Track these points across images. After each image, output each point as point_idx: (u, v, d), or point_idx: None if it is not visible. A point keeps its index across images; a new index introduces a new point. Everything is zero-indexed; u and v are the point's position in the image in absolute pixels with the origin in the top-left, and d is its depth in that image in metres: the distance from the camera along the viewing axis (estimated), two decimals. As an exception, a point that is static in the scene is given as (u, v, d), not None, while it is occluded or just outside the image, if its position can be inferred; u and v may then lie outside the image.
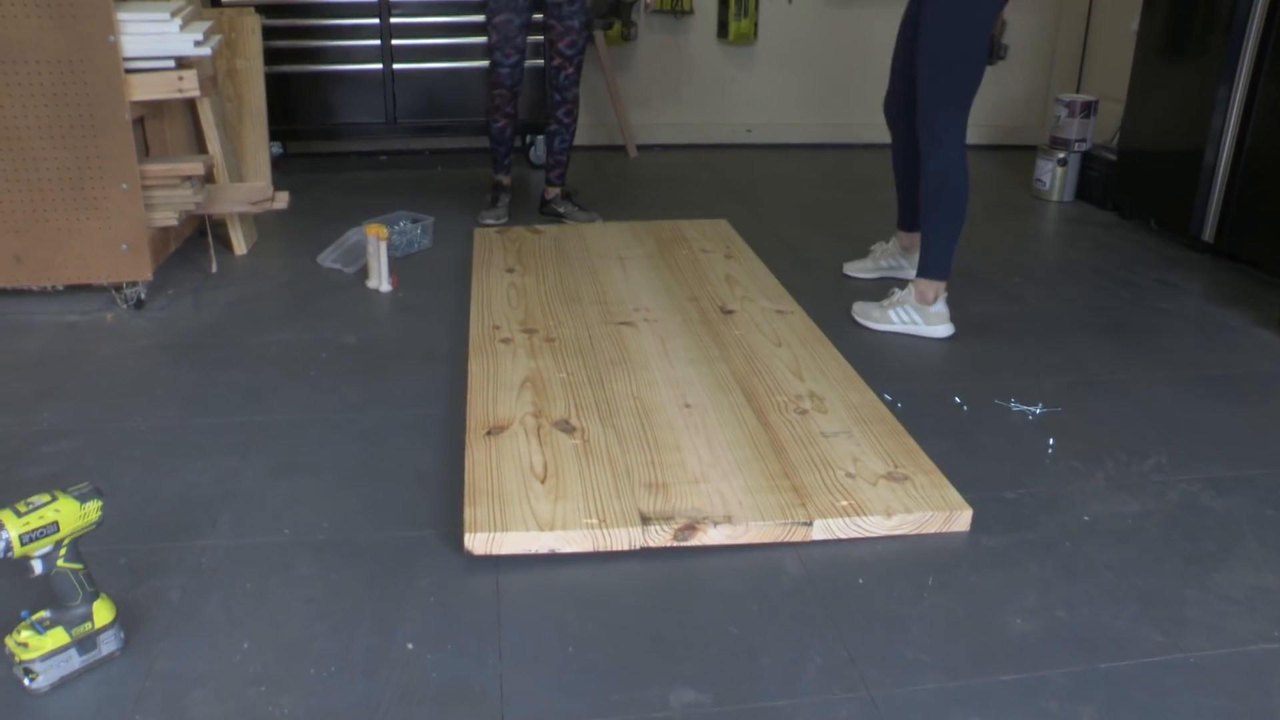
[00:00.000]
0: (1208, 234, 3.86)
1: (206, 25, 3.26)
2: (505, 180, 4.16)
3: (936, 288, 3.06)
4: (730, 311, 3.00)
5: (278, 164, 4.77)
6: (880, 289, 3.34)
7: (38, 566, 1.60)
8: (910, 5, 3.16)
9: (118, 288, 3.19)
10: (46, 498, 1.60)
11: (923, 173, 2.99)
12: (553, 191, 4.16)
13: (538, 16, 3.88)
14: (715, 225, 3.90)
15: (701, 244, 3.66)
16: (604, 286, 3.19)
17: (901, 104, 3.20)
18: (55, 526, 1.59)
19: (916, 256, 3.39)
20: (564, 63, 3.92)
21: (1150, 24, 4.15)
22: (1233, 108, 3.73)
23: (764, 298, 3.13)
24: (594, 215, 4.10)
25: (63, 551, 1.62)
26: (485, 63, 3.98)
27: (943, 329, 3.07)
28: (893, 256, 3.51)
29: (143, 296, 3.19)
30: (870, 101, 5.39)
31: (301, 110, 4.85)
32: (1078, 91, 5.43)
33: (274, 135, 4.69)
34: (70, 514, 1.60)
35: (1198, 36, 3.89)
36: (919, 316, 3.07)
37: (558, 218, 4.11)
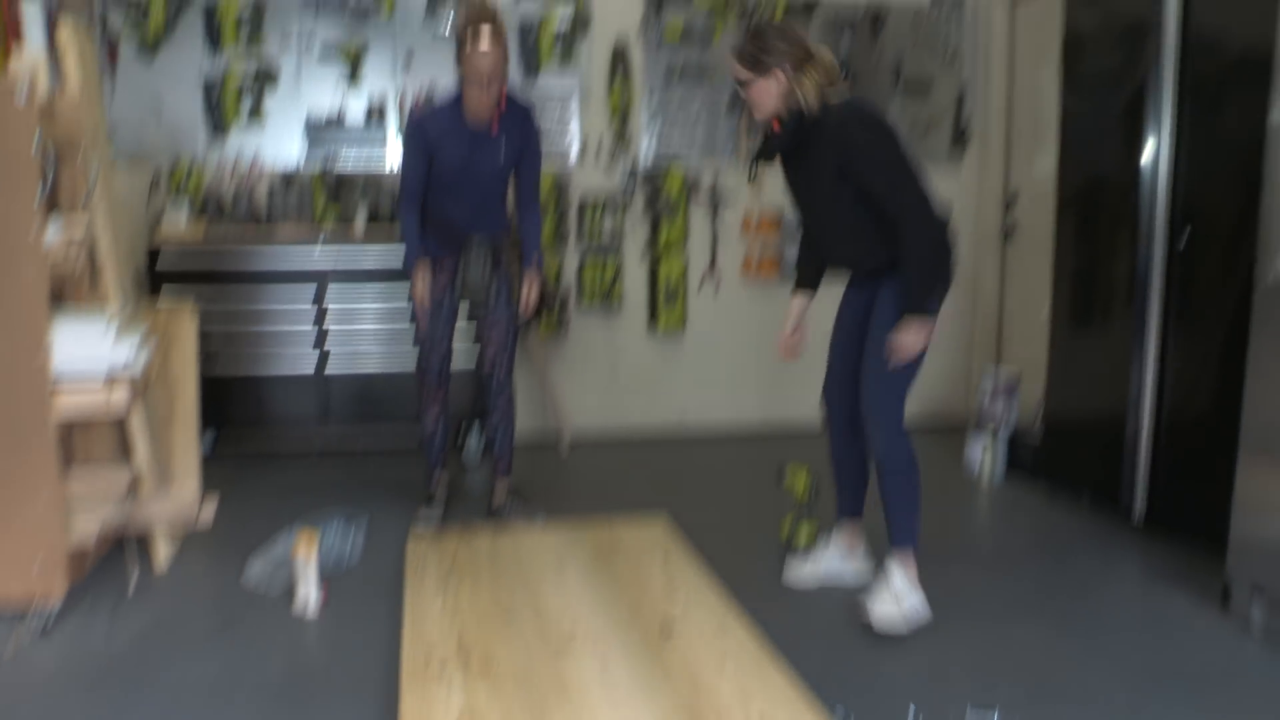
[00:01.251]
0: (1137, 512, 3.89)
1: (141, 336, 3.24)
2: (440, 481, 4.09)
3: (910, 554, 3.10)
4: (671, 628, 2.87)
5: (207, 461, 4.66)
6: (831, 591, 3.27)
7: None
8: (851, 293, 3.25)
9: (27, 610, 3.00)
10: None
11: (884, 465, 3.09)
12: (503, 486, 4.10)
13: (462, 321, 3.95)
14: (652, 527, 3.82)
15: (640, 548, 3.55)
16: (541, 601, 3.06)
17: (840, 388, 3.28)
18: None
19: (858, 560, 3.41)
20: (497, 353, 3.93)
21: (1059, 301, 4.32)
22: (1146, 378, 3.83)
23: (705, 610, 3.01)
24: (536, 513, 4.02)
25: None
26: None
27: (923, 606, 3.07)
28: (835, 560, 3.45)
29: (53, 620, 3.00)
30: (803, 386, 5.48)
31: (234, 409, 4.83)
32: (998, 365, 5.59)
33: (205, 434, 4.63)
34: None
35: (1103, 309, 4.06)
36: (917, 599, 3.07)
37: (500, 518, 4.02)
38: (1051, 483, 4.45)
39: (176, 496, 3.45)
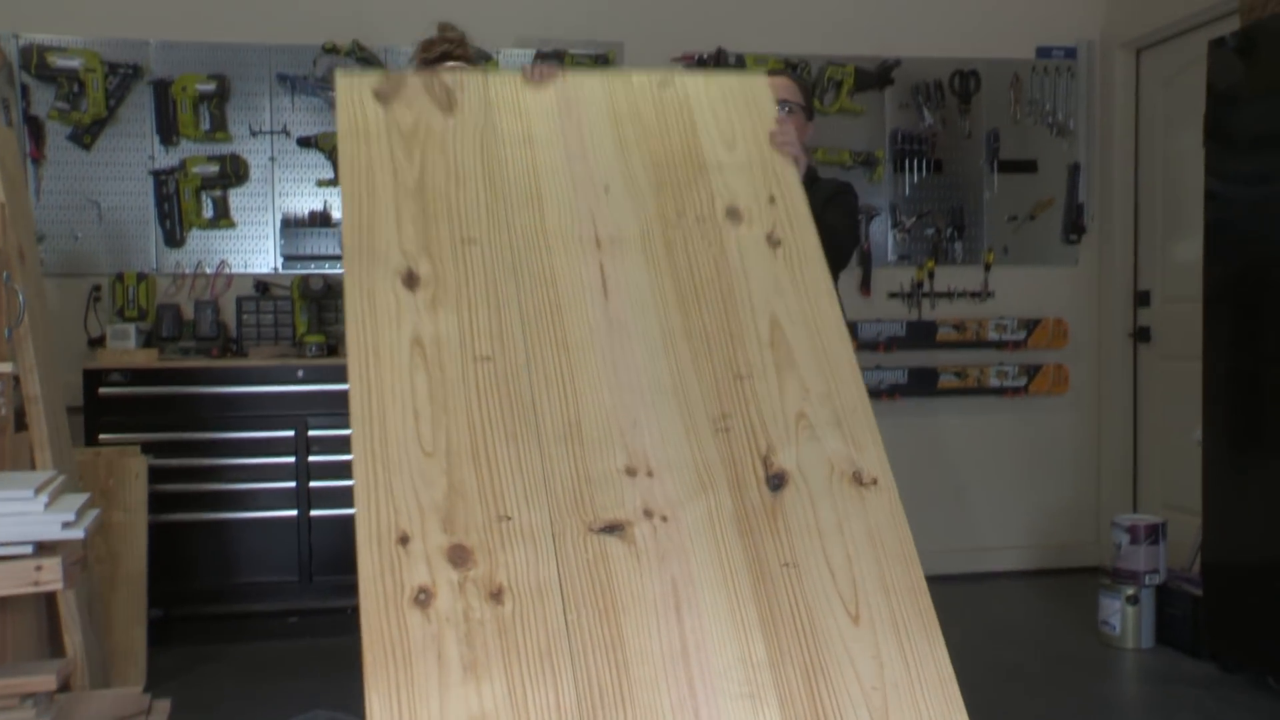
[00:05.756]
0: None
1: (82, 500, 3.09)
2: None
3: None
4: (781, 479, 2.25)
5: (157, 631, 4.50)
6: None
7: None
8: None
9: None
10: None
11: None
12: None
13: None
14: (748, 87, 2.81)
15: (725, 172, 2.62)
16: (573, 365, 2.28)
17: None
18: None
19: None
20: None
21: (1214, 419, 4.13)
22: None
23: (833, 423, 2.32)
24: None
25: None
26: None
27: None
28: None
29: None
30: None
31: (193, 566, 4.68)
32: (1135, 507, 5.38)
33: (156, 599, 4.47)
34: None
35: (1277, 429, 3.84)
36: None
37: None
38: (1219, 653, 4.18)
39: (116, 696, 3.26)
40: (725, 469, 2.23)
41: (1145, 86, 5.48)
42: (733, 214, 2.56)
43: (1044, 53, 5.59)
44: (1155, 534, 4.53)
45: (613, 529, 2.12)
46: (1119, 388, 5.55)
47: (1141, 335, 5.44)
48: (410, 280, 2.31)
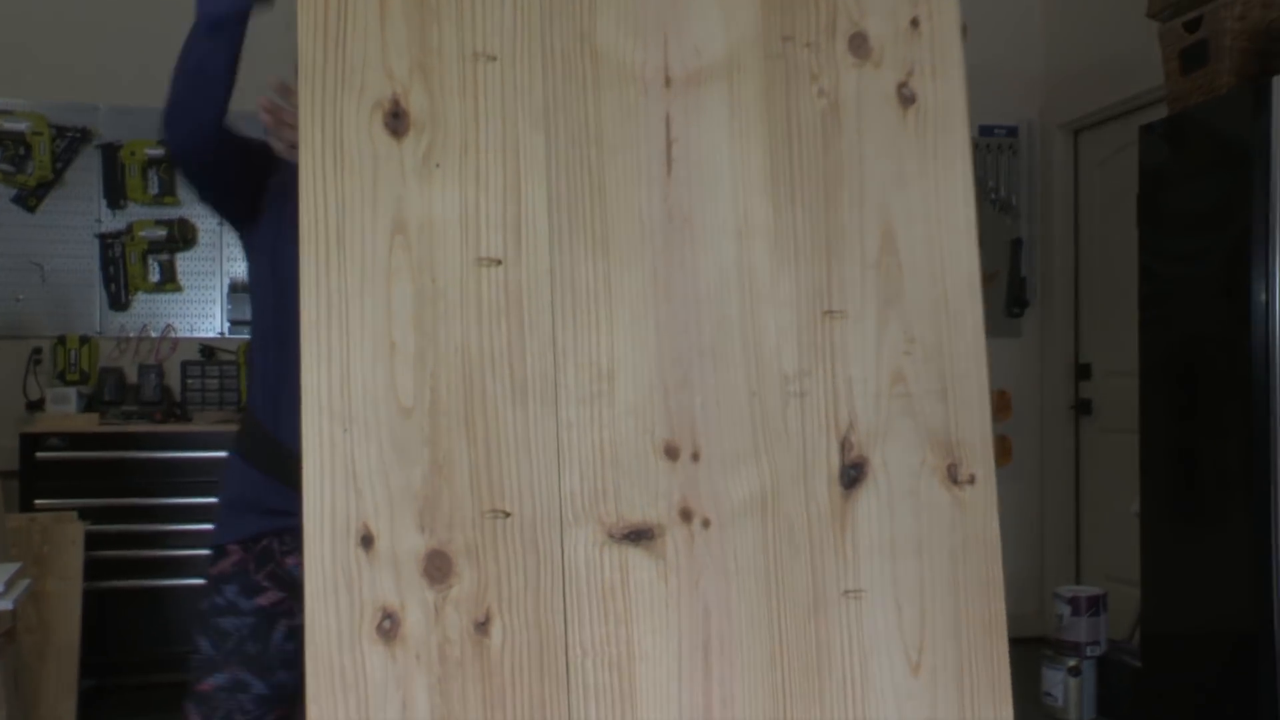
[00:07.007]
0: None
1: (12, 569, 3.00)
2: None
3: None
4: (859, 471, 1.69)
5: (90, 702, 4.37)
6: None
7: None
8: None
9: None
10: None
11: None
12: None
13: None
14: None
15: None
16: (613, 281, 1.59)
17: None
18: None
19: None
20: None
21: (1151, 491, 4.13)
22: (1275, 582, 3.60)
23: (937, 392, 1.72)
24: None
25: None
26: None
27: None
28: None
29: None
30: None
31: (130, 634, 4.57)
32: (1078, 578, 5.38)
33: (89, 669, 4.34)
34: None
35: (1213, 499, 3.84)
36: None
37: None
38: (1159, 723, 4.16)
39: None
40: (792, 452, 1.65)
41: (1083, 165, 5.56)
42: (858, 44, 1.71)
43: (986, 131, 5.66)
44: (1096, 605, 4.51)
45: (639, 536, 1.59)
46: (1061, 460, 5.56)
47: (1083, 408, 5.47)
48: (396, 120, 1.54)
